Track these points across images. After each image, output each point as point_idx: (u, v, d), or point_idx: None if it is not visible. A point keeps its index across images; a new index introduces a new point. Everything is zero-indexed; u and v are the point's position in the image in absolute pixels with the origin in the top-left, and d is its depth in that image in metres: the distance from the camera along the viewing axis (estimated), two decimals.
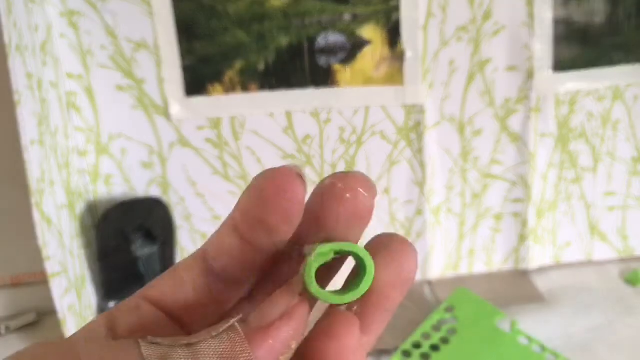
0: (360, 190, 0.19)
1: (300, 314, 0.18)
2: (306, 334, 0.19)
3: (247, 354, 0.17)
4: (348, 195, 0.19)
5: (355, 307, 0.19)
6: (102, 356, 0.17)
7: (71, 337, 0.19)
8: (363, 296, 0.19)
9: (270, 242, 0.19)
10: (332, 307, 0.19)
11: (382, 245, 0.19)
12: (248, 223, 0.19)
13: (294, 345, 0.18)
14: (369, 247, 0.19)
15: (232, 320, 0.18)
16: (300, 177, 0.19)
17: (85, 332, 0.19)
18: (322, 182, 0.20)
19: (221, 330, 0.17)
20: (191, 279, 0.20)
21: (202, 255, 0.20)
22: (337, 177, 0.19)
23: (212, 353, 0.17)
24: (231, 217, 0.20)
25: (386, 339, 0.62)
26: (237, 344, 0.17)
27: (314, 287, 0.18)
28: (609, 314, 0.64)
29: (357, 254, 0.19)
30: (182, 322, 0.20)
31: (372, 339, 0.20)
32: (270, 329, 0.17)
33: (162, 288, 0.20)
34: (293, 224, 0.19)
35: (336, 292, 0.19)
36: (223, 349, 0.17)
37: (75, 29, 0.60)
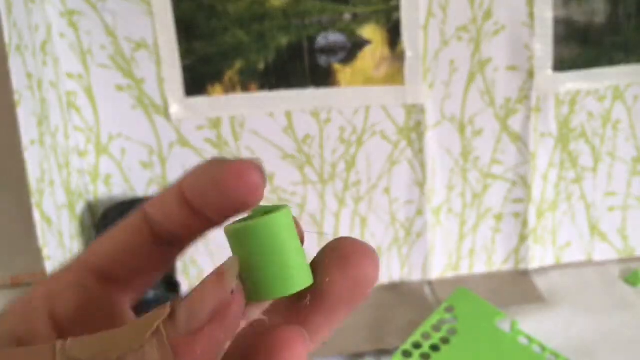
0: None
1: (235, 311, 0.16)
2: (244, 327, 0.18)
3: None
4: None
5: (307, 299, 0.18)
6: None
7: None
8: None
9: (221, 218, 0.19)
10: (276, 320, 0.18)
11: (335, 247, 0.18)
12: (199, 199, 0.19)
13: (227, 345, 0.16)
14: (324, 250, 0.18)
15: (158, 322, 0.16)
16: (259, 169, 0.18)
17: (23, 316, 0.18)
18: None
19: (145, 339, 0.16)
20: (132, 242, 0.20)
21: (143, 217, 0.20)
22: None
23: None
24: (179, 188, 0.19)
25: (386, 339, 0.62)
26: (162, 357, 0.16)
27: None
28: (609, 314, 0.64)
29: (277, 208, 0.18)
30: (123, 287, 0.20)
31: (317, 344, 0.19)
32: (199, 336, 0.16)
33: (102, 253, 0.20)
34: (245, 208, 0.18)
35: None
36: None
37: (75, 29, 0.60)
